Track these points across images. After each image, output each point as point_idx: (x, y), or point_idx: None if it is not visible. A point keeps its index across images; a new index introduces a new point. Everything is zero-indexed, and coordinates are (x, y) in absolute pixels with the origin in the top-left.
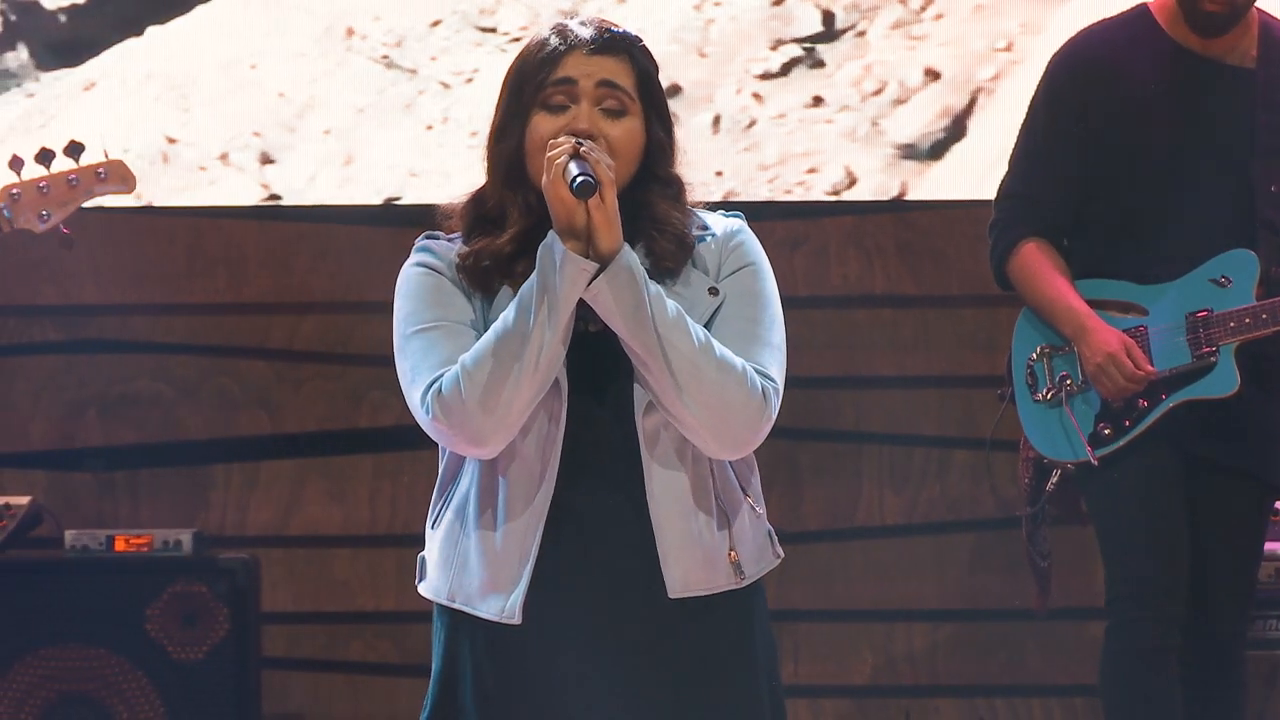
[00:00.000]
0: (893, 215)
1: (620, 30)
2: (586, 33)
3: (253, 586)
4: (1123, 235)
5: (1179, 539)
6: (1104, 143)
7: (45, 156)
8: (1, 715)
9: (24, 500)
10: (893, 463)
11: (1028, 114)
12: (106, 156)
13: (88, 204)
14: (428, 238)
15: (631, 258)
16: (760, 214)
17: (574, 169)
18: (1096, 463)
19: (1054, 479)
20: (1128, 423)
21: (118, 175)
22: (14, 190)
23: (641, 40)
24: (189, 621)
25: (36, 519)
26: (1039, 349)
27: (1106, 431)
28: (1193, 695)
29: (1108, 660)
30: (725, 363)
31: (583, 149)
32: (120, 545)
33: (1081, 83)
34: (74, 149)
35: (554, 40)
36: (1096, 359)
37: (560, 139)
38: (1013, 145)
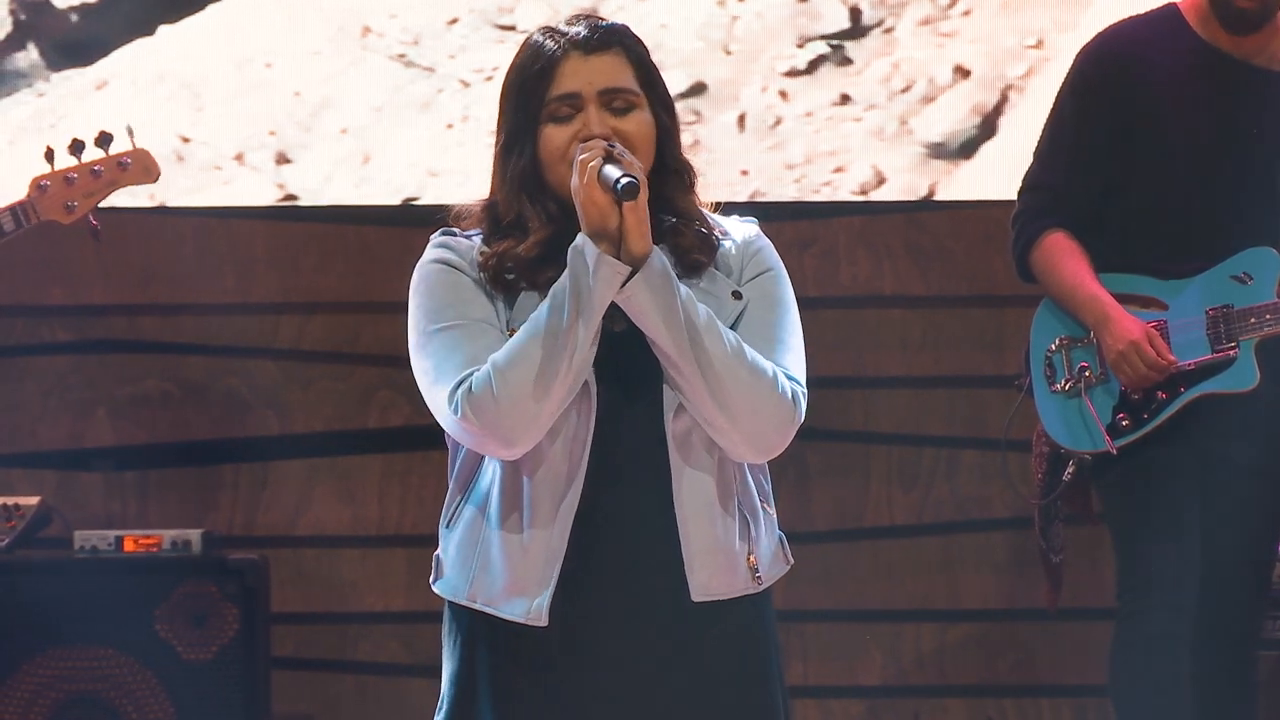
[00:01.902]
0: (902, 216)
1: (607, 23)
2: (578, 33)
3: (262, 587)
4: (1144, 230)
5: (1191, 532)
6: (1129, 138)
7: (77, 147)
8: (11, 715)
9: (33, 500)
10: (901, 463)
11: (1054, 106)
12: (133, 145)
13: (113, 195)
14: (444, 234)
15: (663, 260)
16: (770, 214)
17: (613, 172)
18: (1115, 452)
19: (1070, 470)
20: (1146, 415)
21: (141, 165)
22: (42, 181)
23: (627, 28)
24: (198, 622)
25: (45, 519)
26: (1058, 340)
27: (1125, 423)
28: (1205, 694)
29: (1117, 648)
30: (757, 367)
31: (615, 151)
32: (129, 545)
33: (1109, 77)
34: (104, 139)
35: (548, 46)
36: (1119, 346)
37: (592, 142)
38: (1038, 138)
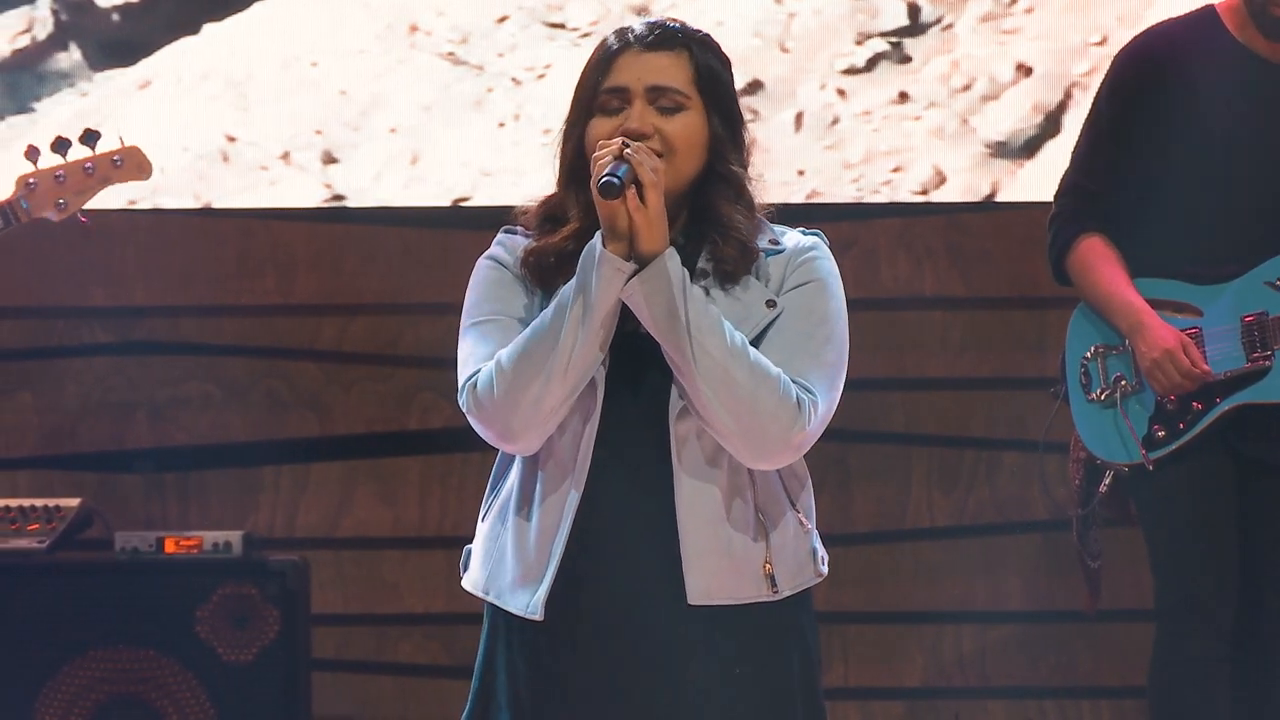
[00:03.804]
0: (942, 217)
1: (679, 25)
2: (640, 30)
3: (302, 588)
4: (1179, 235)
5: (1230, 547)
6: (1164, 141)
7: (61, 145)
8: (52, 717)
9: (74, 502)
10: (942, 464)
11: (1091, 109)
12: (122, 143)
13: (114, 197)
14: (505, 230)
15: (672, 261)
16: (809, 216)
17: (608, 170)
18: (1151, 465)
19: (1106, 480)
20: (1182, 425)
21: (134, 163)
22: (30, 180)
23: (705, 35)
24: (239, 623)
25: (87, 521)
26: (1093, 348)
27: (1160, 434)
28: (1245, 698)
29: (1156, 670)
30: (758, 369)
31: (627, 150)
32: (170, 547)
33: (1145, 80)
34: (89, 137)
35: (611, 41)
36: (1153, 354)
37: (612, 140)
38: (1075, 141)
